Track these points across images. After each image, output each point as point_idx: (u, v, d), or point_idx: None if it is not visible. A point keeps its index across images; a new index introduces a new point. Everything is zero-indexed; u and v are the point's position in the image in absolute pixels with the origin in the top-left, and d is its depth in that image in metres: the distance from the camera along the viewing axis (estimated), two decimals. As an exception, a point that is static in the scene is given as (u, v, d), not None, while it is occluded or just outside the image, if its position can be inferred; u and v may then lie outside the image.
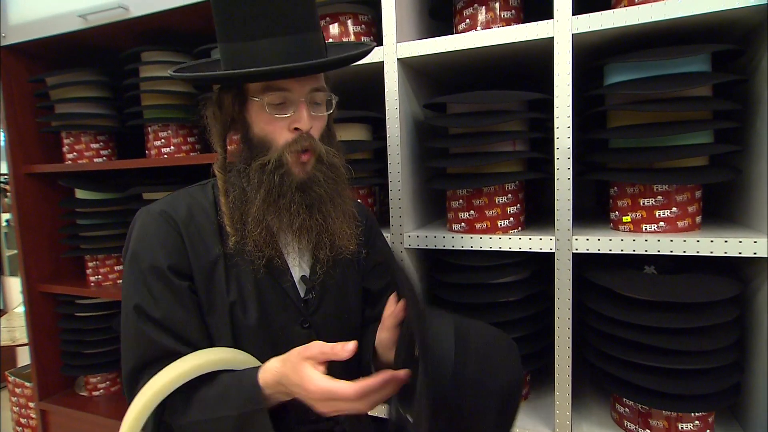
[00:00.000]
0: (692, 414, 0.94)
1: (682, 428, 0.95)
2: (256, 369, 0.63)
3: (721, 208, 1.14)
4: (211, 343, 0.69)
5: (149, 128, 1.47)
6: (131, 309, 0.65)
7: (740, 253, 0.85)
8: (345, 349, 0.57)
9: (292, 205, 0.67)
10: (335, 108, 0.74)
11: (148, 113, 1.45)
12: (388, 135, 1.09)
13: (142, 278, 0.66)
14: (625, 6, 0.92)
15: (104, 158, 1.59)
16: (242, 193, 0.70)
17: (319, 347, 0.58)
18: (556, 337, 0.99)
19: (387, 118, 1.09)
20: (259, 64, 0.63)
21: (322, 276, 0.74)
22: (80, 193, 1.60)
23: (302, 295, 0.74)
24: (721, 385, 0.90)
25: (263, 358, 0.68)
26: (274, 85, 0.66)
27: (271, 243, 0.69)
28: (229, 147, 0.74)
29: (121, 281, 1.64)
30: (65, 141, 1.57)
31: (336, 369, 0.62)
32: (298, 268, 0.75)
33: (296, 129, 0.67)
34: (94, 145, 1.57)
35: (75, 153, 1.57)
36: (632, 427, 1.01)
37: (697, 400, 0.91)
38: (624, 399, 1.01)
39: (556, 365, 0.99)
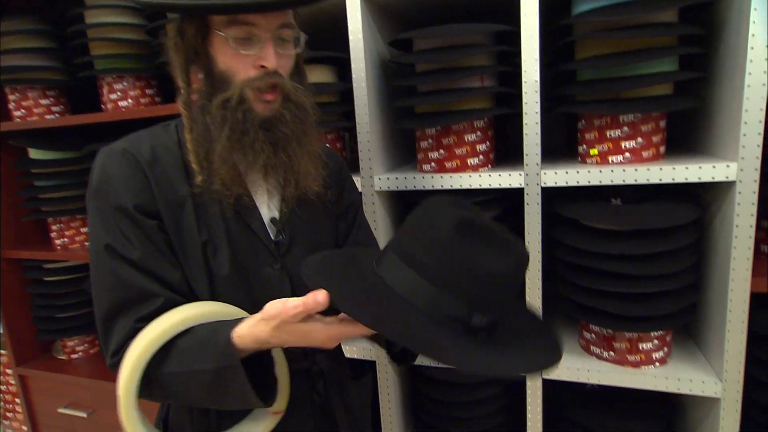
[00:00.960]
0: (652, 334, 0.99)
1: (642, 347, 1.01)
2: (231, 323, 0.61)
3: (683, 139, 1.16)
4: (188, 286, 0.67)
5: (103, 81, 1.38)
6: (102, 249, 0.63)
7: (700, 178, 0.87)
8: (316, 301, 0.55)
9: (255, 143, 0.64)
10: (305, 47, 0.70)
11: (99, 64, 1.36)
12: (353, 76, 1.06)
13: (110, 218, 0.63)
14: (592, -73, 0.89)
15: (56, 115, 1.50)
16: (206, 131, 0.67)
17: (291, 308, 0.56)
18: (527, 271, 1.01)
19: (351, 58, 1.05)
20: None
21: (290, 216, 0.73)
22: (34, 153, 1.52)
23: (273, 237, 0.73)
24: (680, 305, 0.95)
25: (238, 301, 0.68)
26: (239, 18, 0.61)
27: (239, 181, 0.67)
28: (193, 85, 0.70)
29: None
30: (10, 97, 1.47)
31: None
32: (266, 209, 0.73)
33: (262, 67, 0.63)
34: (43, 101, 1.48)
35: (23, 110, 1.47)
36: (598, 351, 1.06)
37: (658, 320, 0.96)
38: (590, 325, 1.06)
39: (527, 298, 1.03)
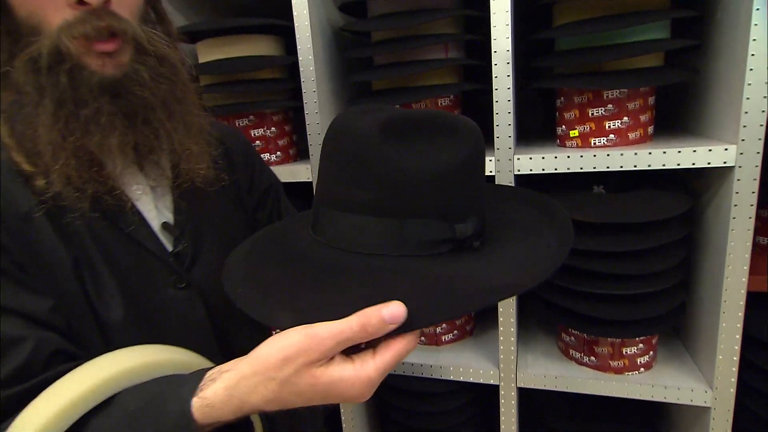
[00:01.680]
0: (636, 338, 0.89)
1: (626, 352, 0.90)
2: (187, 382, 0.41)
3: (672, 118, 1.04)
4: (66, 323, 0.47)
5: None
6: None
7: (694, 164, 0.76)
8: (387, 322, 0.37)
9: (99, 116, 0.46)
10: None
11: None
12: (298, 47, 0.90)
13: None
14: None
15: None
16: (22, 112, 0.47)
17: (328, 334, 0.37)
18: (499, 270, 0.89)
19: (295, 26, 0.90)
20: None
21: (190, 216, 0.57)
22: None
23: (170, 247, 0.56)
24: (668, 307, 0.84)
25: (136, 339, 0.49)
26: None
27: (96, 176, 0.48)
28: None
29: None
30: None
31: None
32: (154, 211, 0.56)
33: (81, 3, 0.44)
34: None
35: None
36: (577, 355, 0.96)
37: (644, 324, 0.85)
38: (570, 330, 0.95)
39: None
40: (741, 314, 0.80)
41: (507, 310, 0.91)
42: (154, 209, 0.55)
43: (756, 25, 0.68)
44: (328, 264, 0.45)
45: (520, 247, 0.48)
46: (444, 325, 1.06)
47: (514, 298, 0.90)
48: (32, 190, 0.47)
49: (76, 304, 0.49)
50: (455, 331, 1.08)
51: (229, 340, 0.60)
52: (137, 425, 0.40)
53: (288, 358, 0.37)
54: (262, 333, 0.64)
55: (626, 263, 0.81)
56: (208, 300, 0.57)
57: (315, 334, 0.37)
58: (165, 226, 0.56)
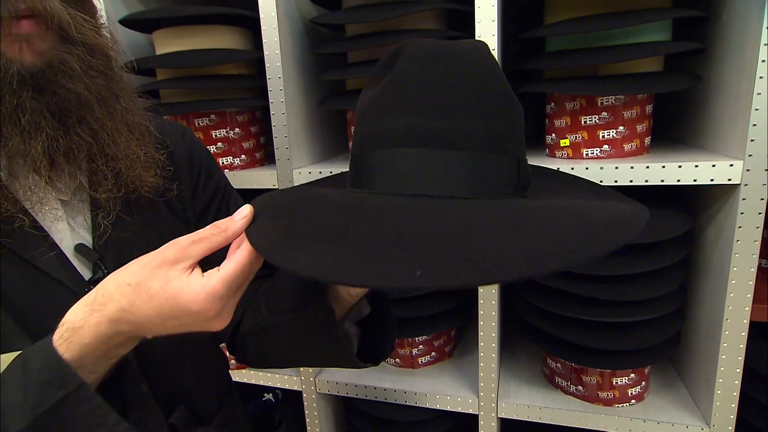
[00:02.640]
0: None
1: (616, 383, 0.83)
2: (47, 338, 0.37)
3: (671, 128, 0.97)
4: None
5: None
6: None
7: (695, 180, 0.68)
8: (236, 219, 0.38)
9: (20, 116, 0.38)
10: None
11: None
12: (264, 40, 0.82)
13: None
14: None
15: None
16: None
17: (186, 239, 0.37)
18: (480, 290, 0.81)
19: (261, 16, 0.81)
20: None
21: (115, 235, 0.47)
22: None
23: (87, 275, 0.45)
24: (662, 336, 0.77)
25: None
26: None
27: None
28: None
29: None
30: None
31: None
32: (67, 231, 0.45)
33: None
34: None
35: None
36: (563, 383, 0.88)
37: (636, 354, 0.78)
38: (557, 358, 0.87)
39: (480, 322, 0.83)
40: (743, 346, 0.72)
41: (488, 330, 0.83)
42: (67, 228, 0.45)
43: (768, 27, 0.61)
44: (390, 210, 0.37)
45: (582, 199, 0.42)
46: (421, 345, 0.98)
47: (497, 317, 0.82)
48: None
49: None
50: (433, 353, 1.00)
51: (160, 381, 0.51)
52: (4, 388, 0.35)
53: (146, 263, 0.36)
54: (195, 357, 0.55)
55: (618, 288, 0.73)
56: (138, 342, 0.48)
57: (175, 240, 0.37)
58: (80, 248, 0.45)
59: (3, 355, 0.38)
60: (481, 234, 0.32)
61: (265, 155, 0.99)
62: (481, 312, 0.82)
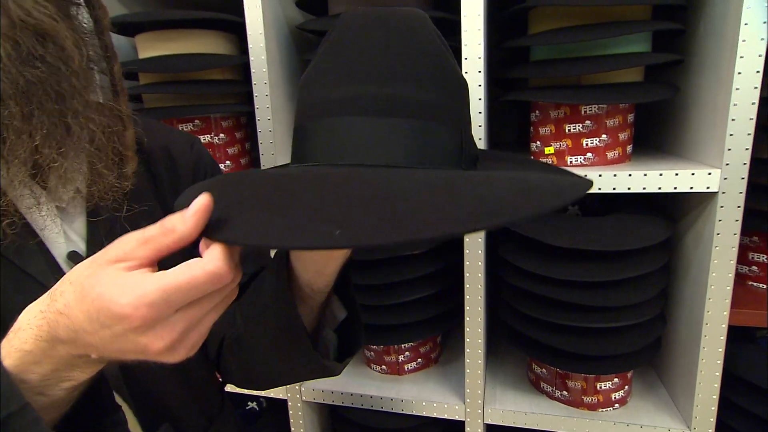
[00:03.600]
0: (613, 373, 0.83)
1: (600, 387, 0.84)
2: None
3: (649, 137, 0.99)
4: None
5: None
6: None
7: (676, 188, 0.70)
8: (187, 216, 0.30)
9: None
10: None
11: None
12: (249, 45, 0.81)
13: None
14: None
15: None
16: None
17: (133, 238, 0.31)
18: (467, 296, 0.82)
19: (247, 21, 0.80)
20: None
21: (106, 243, 0.46)
22: None
23: None
24: (644, 341, 0.78)
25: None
26: None
27: None
28: None
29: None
30: None
31: None
32: (62, 238, 0.44)
33: None
34: None
35: None
36: (549, 388, 0.89)
37: (619, 359, 0.79)
38: (541, 363, 0.88)
39: (467, 329, 0.83)
40: (722, 350, 0.74)
41: (474, 336, 0.83)
42: (62, 236, 0.44)
43: (744, 41, 0.63)
44: (331, 179, 0.34)
45: (521, 171, 0.41)
46: (407, 352, 0.98)
47: (483, 322, 0.82)
48: None
49: None
50: (419, 359, 1.00)
51: (145, 395, 0.49)
52: None
53: (91, 262, 0.31)
54: (181, 375, 0.54)
55: (601, 294, 0.74)
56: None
57: (122, 238, 0.31)
58: (72, 256, 0.44)
59: None
60: (409, 196, 0.30)
61: (250, 161, 0.98)
62: (468, 318, 0.82)
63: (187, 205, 0.32)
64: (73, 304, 0.31)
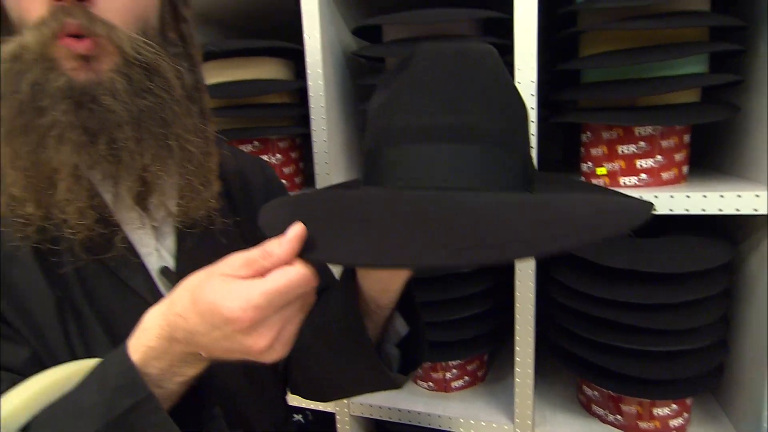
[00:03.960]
0: (670, 399, 0.80)
1: (657, 413, 0.82)
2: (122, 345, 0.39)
3: (704, 156, 0.97)
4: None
5: None
6: None
7: (738, 210, 0.68)
8: (284, 242, 0.35)
9: (54, 126, 0.39)
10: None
11: None
12: (308, 71, 0.86)
13: None
14: None
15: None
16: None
17: (240, 260, 0.36)
18: (517, 315, 0.82)
19: (306, 49, 0.85)
20: None
21: (193, 261, 0.48)
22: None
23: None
24: (705, 367, 0.76)
25: None
26: None
27: (90, 208, 0.42)
28: None
29: None
30: None
31: None
32: (155, 254, 0.49)
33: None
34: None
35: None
36: (601, 411, 0.87)
37: (677, 384, 0.77)
38: (593, 385, 0.87)
39: (516, 348, 0.83)
40: (789, 379, 0.71)
41: (525, 355, 0.83)
42: (155, 252, 0.49)
43: (810, 61, 0.62)
44: (403, 203, 0.38)
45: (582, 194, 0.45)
46: (454, 369, 0.98)
47: (532, 341, 0.82)
48: (18, 222, 0.42)
49: (57, 349, 0.44)
50: (466, 377, 1.00)
51: (222, 393, 0.53)
52: (80, 394, 0.38)
53: (205, 273, 0.37)
54: (256, 381, 0.57)
55: (659, 317, 0.73)
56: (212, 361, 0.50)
57: (231, 258, 0.36)
58: (164, 271, 0.49)
59: (91, 360, 0.41)
60: (503, 217, 0.34)
61: (303, 180, 1.03)
62: (517, 337, 0.83)
63: (274, 224, 0.37)
64: (189, 309, 0.35)
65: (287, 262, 0.35)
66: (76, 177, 0.42)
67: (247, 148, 0.94)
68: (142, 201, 0.47)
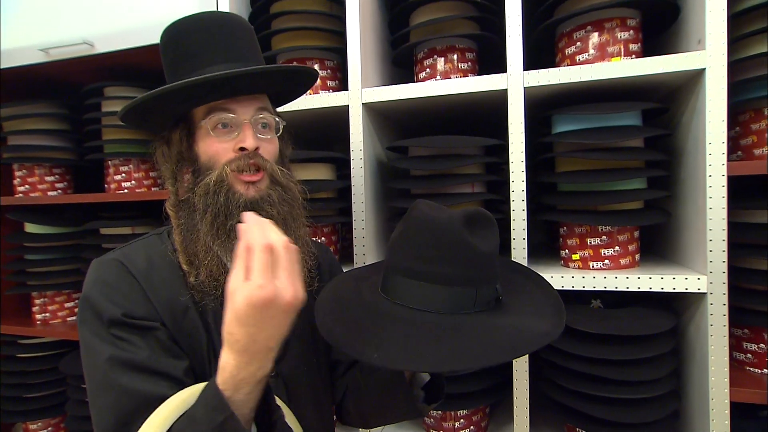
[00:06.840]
0: (639, 441, 1.00)
1: (631, 455, 1.00)
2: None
3: (655, 246, 1.24)
4: (196, 379, 0.65)
5: (110, 162, 1.45)
6: (103, 363, 0.60)
7: (674, 288, 0.93)
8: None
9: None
10: (286, 136, 0.76)
11: (109, 147, 1.43)
12: (352, 175, 1.14)
13: (103, 331, 0.62)
14: (568, 65, 1.03)
15: (59, 191, 1.54)
16: (192, 226, 0.67)
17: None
18: (514, 371, 1.03)
19: (351, 159, 1.14)
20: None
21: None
22: (30, 227, 1.54)
23: None
24: (662, 413, 0.96)
25: None
26: (216, 106, 0.66)
27: (226, 272, 0.65)
28: (184, 184, 0.71)
29: (72, 319, 1.57)
30: (17, 173, 1.52)
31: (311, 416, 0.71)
32: None
33: (241, 149, 0.66)
34: (49, 178, 1.52)
35: (27, 186, 1.51)
36: (586, 455, 1.05)
37: (642, 427, 0.97)
38: (577, 429, 1.06)
39: (515, 398, 1.03)
40: (728, 422, 0.92)
41: (521, 406, 1.02)
42: None
43: (711, 187, 0.90)
44: (401, 317, 0.65)
45: (528, 305, 0.70)
46: (462, 419, 1.17)
47: (526, 396, 1.02)
48: (186, 285, 0.67)
49: (204, 363, 0.66)
50: (471, 427, 1.18)
51: (301, 421, 0.73)
52: (195, 413, 0.55)
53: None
54: (322, 411, 0.78)
55: (621, 370, 0.95)
56: (289, 388, 0.72)
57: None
58: None
59: (201, 384, 0.60)
60: (475, 336, 0.61)
61: (339, 257, 1.27)
62: (516, 389, 1.03)
63: (324, 322, 0.65)
64: (232, 324, 0.52)
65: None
66: (219, 256, 0.67)
67: (299, 231, 1.20)
68: None
